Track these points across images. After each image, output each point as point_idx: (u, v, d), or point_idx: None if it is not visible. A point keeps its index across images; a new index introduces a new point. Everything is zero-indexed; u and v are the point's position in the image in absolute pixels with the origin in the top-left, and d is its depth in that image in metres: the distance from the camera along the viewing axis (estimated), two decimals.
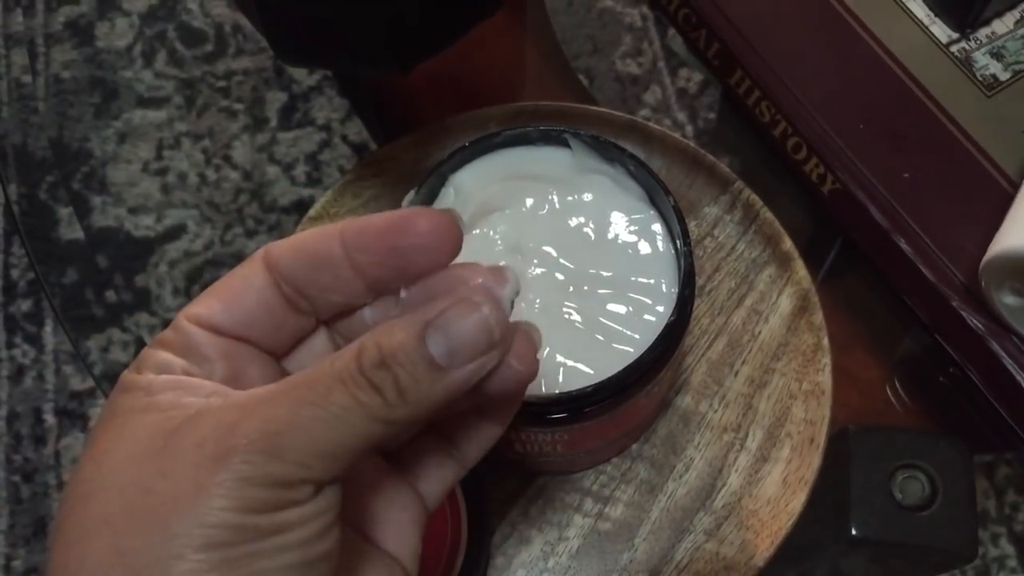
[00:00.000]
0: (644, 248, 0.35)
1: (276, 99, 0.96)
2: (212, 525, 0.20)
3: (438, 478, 0.26)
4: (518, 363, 0.23)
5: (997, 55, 0.44)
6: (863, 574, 0.49)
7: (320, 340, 0.26)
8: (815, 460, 0.39)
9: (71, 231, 0.89)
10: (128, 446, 0.21)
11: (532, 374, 0.24)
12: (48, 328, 0.93)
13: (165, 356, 0.24)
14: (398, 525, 0.25)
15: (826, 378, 0.40)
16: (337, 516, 0.22)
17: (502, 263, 0.35)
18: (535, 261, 0.35)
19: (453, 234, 0.24)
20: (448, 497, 0.37)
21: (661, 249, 0.35)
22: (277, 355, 0.26)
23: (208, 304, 0.24)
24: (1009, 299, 0.38)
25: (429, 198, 0.36)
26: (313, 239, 0.24)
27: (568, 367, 0.34)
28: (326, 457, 0.21)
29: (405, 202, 0.35)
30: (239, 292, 0.24)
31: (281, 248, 0.24)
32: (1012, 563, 0.83)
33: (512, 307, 0.24)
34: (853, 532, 0.39)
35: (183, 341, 0.24)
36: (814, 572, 0.52)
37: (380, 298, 0.25)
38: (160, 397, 0.22)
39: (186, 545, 0.20)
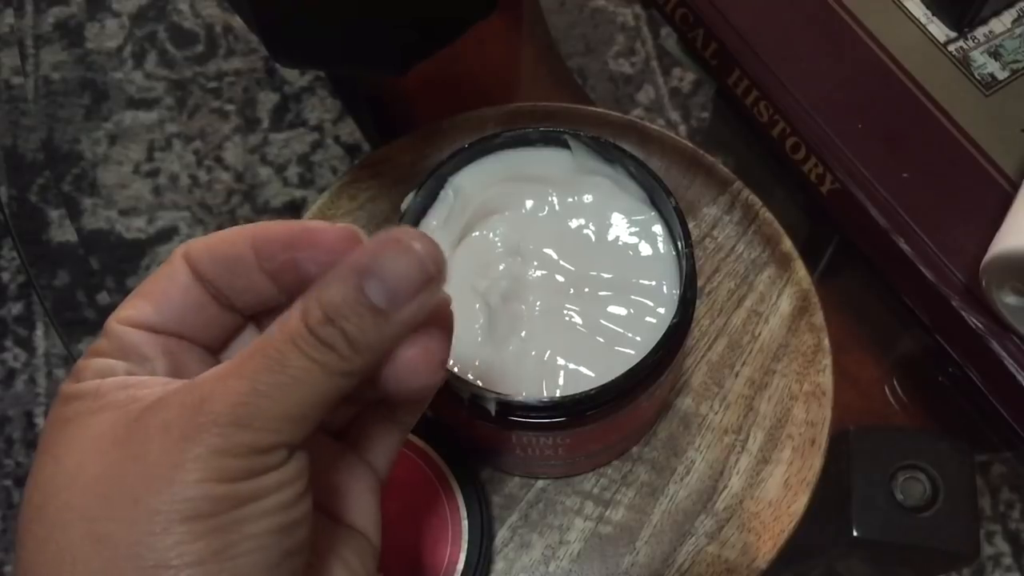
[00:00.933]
0: (645, 250, 0.35)
1: (268, 100, 0.96)
2: (192, 498, 0.20)
3: (385, 446, 0.27)
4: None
5: (995, 54, 0.44)
6: (860, 575, 0.49)
7: (253, 334, 0.27)
8: (816, 461, 0.38)
9: (62, 233, 0.88)
10: (90, 442, 0.22)
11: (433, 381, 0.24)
12: (39, 332, 0.93)
13: (104, 362, 0.24)
14: (358, 497, 0.26)
15: (827, 379, 0.40)
16: (309, 481, 0.22)
17: (501, 266, 0.35)
18: (535, 263, 0.35)
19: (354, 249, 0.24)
20: (449, 501, 0.36)
21: (662, 250, 0.35)
22: (213, 349, 0.26)
23: (136, 305, 0.25)
24: (1010, 299, 0.38)
25: (428, 200, 0.35)
26: (227, 242, 0.25)
27: (569, 370, 0.34)
28: (294, 419, 0.21)
29: (404, 204, 0.34)
30: (166, 290, 0.25)
31: (198, 248, 0.25)
32: (1007, 561, 0.84)
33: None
34: (855, 533, 0.39)
35: (118, 345, 0.24)
36: (809, 574, 0.52)
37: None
38: (111, 397, 0.22)
39: (169, 520, 0.20)
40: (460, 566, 0.36)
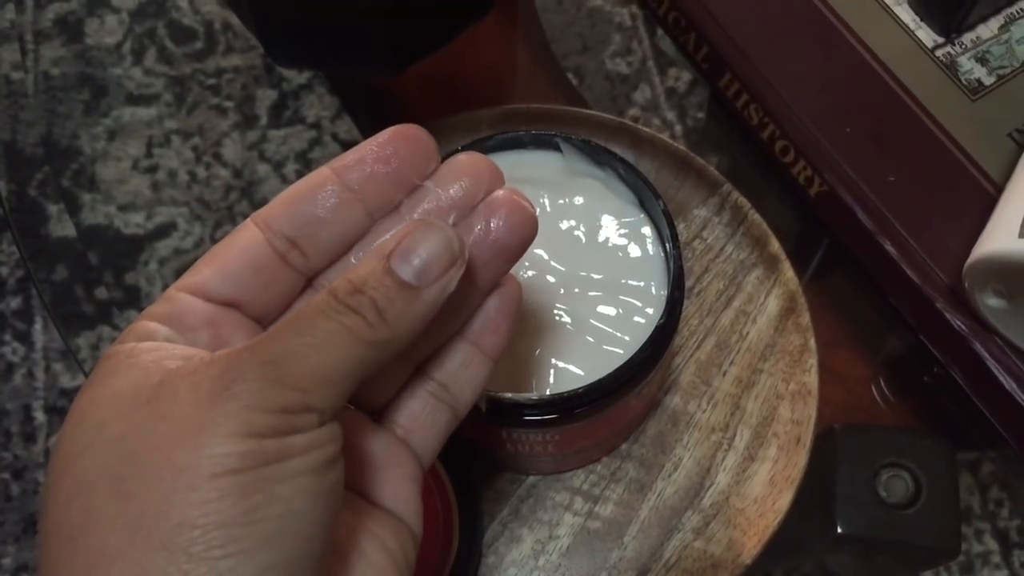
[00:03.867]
0: (634, 251, 0.36)
1: (266, 97, 0.96)
2: (219, 453, 0.20)
3: (430, 427, 0.26)
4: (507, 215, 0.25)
5: (981, 60, 0.45)
6: (849, 570, 0.49)
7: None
8: (801, 459, 0.39)
9: (60, 228, 0.89)
10: (114, 401, 0.21)
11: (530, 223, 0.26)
12: (38, 326, 0.93)
13: (148, 326, 0.24)
14: (394, 482, 0.25)
15: (812, 378, 0.40)
16: (341, 450, 0.22)
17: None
18: (526, 264, 0.36)
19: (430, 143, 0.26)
20: (440, 496, 0.37)
21: (651, 252, 0.36)
22: (266, 322, 0.26)
23: (198, 270, 0.25)
24: (992, 301, 0.39)
25: None
26: (301, 182, 0.25)
27: (559, 368, 0.34)
28: (322, 382, 0.21)
29: None
30: (228, 254, 0.25)
31: (271, 206, 0.25)
32: (996, 559, 0.84)
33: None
34: (839, 529, 0.40)
35: (169, 310, 0.24)
36: (800, 568, 0.53)
37: (372, 231, 0.26)
38: (141, 357, 0.22)
39: (196, 476, 0.19)
40: (451, 559, 0.36)
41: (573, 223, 0.36)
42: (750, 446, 0.40)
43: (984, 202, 0.41)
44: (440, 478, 0.37)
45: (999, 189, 0.42)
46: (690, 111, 0.71)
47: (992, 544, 0.85)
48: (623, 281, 0.35)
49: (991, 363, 0.39)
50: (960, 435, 0.44)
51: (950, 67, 0.45)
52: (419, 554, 0.36)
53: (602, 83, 0.70)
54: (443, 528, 0.37)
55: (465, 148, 0.36)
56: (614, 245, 0.36)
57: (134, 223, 0.90)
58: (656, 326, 0.33)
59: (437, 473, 0.37)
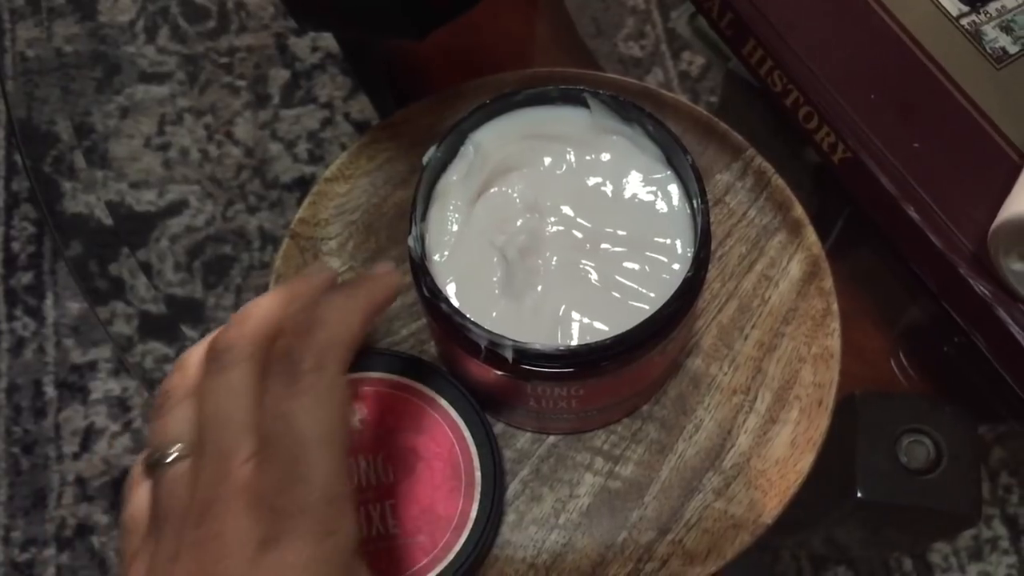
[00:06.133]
0: (661, 207, 0.36)
1: (279, 76, 0.96)
2: None
3: None
4: None
5: (1006, 28, 0.45)
6: (857, 542, 0.49)
7: None
8: (823, 422, 0.39)
9: (75, 204, 0.89)
10: None
11: None
12: (49, 301, 0.93)
13: None
14: None
15: (835, 342, 0.40)
16: None
17: (519, 221, 0.36)
18: (553, 219, 0.36)
19: None
20: (463, 455, 0.37)
21: (677, 209, 0.36)
22: None
23: None
24: (1017, 266, 0.39)
25: (449, 155, 0.36)
26: None
27: (584, 324, 0.34)
28: None
29: (425, 158, 0.35)
30: None
31: None
32: (1005, 544, 0.84)
33: None
34: (859, 495, 0.40)
35: None
36: (810, 541, 0.53)
37: None
38: None
39: None
40: (473, 516, 0.36)
41: (600, 179, 0.36)
42: (771, 409, 0.40)
43: (1008, 169, 0.41)
44: (463, 437, 0.37)
45: (1023, 156, 0.42)
46: (703, 95, 0.70)
47: (1001, 530, 0.85)
48: (649, 238, 0.35)
49: (1015, 329, 0.39)
50: (981, 406, 0.44)
51: (975, 35, 0.44)
52: (442, 511, 0.36)
53: (615, 67, 0.70)
54: (466, 486, 0.37)
55: (493, 102, 0.36)
56: (641, 201, 0.36)
57: (146, 200, 0.90)
58: (684, 278, 0.32)
59: (461, 432, 0.37)
